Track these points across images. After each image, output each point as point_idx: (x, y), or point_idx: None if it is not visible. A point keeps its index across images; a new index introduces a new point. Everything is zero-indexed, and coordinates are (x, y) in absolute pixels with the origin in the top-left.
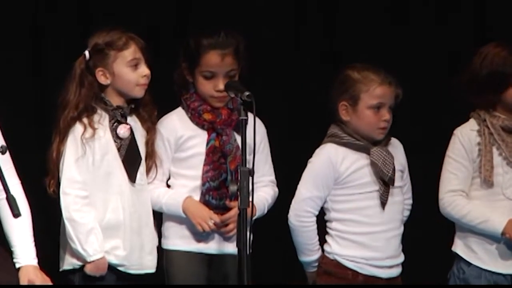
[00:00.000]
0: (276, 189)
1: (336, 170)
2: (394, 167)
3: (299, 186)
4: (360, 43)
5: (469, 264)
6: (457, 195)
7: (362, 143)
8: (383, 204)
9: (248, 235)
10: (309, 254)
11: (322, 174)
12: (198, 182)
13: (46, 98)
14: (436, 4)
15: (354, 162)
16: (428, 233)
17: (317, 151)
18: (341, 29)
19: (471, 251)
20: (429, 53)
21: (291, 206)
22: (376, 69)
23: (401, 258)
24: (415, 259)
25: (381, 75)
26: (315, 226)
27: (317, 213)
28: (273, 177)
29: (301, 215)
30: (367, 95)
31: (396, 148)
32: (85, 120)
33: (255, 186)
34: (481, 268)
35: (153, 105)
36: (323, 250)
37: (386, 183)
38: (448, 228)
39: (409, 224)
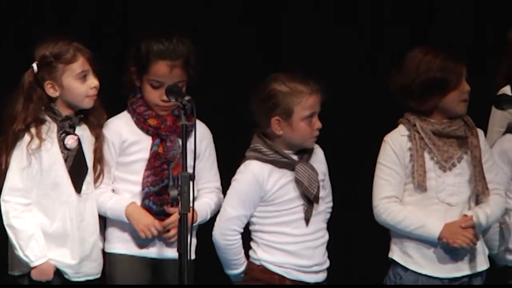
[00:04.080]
0: (221, 196)
1: (262, 189)
2: (319, 184)
3: (224, 205)
4: (302, 47)
5: (406, 269)
6: (391, 201)
7: (288, 159)
8: (307, 220)
9: (190, 240)
10: (235, 267)
11: (248, 193)
12: (141, 187)
13: None
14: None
15: (279, 179)
16: (362, 238)
17: (242, 168)
18: (285, 32)
19: (408, 256)
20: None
21: (216, 224)
22: (302, 79)
23: (327, 263)
24: (346, 265)
25: (309, 85)
26: (241, 241)
27: (242, 230)
28: (218, 184)
29: (227, 234)
30: (299, 107)
31: (318, 157)
32: (33, 130)
33: (200, 192)
34: (418, 273)
35: (101, 109)
36: (248, 257)
37: (310, 200)
38: (382, 233)
39: (344, 230)
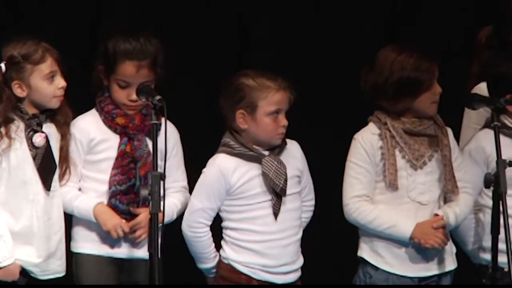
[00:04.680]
0: (188, 195)
1: (227, 182)
2: (286, 177)
3: (191, 197)
4: (275, 47)
5: (376, 268)
6: (362, 200)
7: (255, 153)
8: (276, 214)
9: (159, 239)
10: (205, 261)
11: (213, 186)
12: (108, 186)
13: None
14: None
15: (246, 172)
16: (330, 236)
17: (210, 161)
18: (257, 31)
19: (378, 256)
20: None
21: (184, 216)
22: (271, 75)
23: (299, 263)
24: (315, 263)
25: (277, 81)
26: (209, 235)
27: (210, 223)
28: (185, 183)
29: (193, 226)
30: (265, 102)
31: (292, 153)
32: (2, 129)
33: (167, 191)
34: (388, 272)
35: (68, 108)
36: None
37: (278, 193)
38: (350, 231)
39: (314, 228)
